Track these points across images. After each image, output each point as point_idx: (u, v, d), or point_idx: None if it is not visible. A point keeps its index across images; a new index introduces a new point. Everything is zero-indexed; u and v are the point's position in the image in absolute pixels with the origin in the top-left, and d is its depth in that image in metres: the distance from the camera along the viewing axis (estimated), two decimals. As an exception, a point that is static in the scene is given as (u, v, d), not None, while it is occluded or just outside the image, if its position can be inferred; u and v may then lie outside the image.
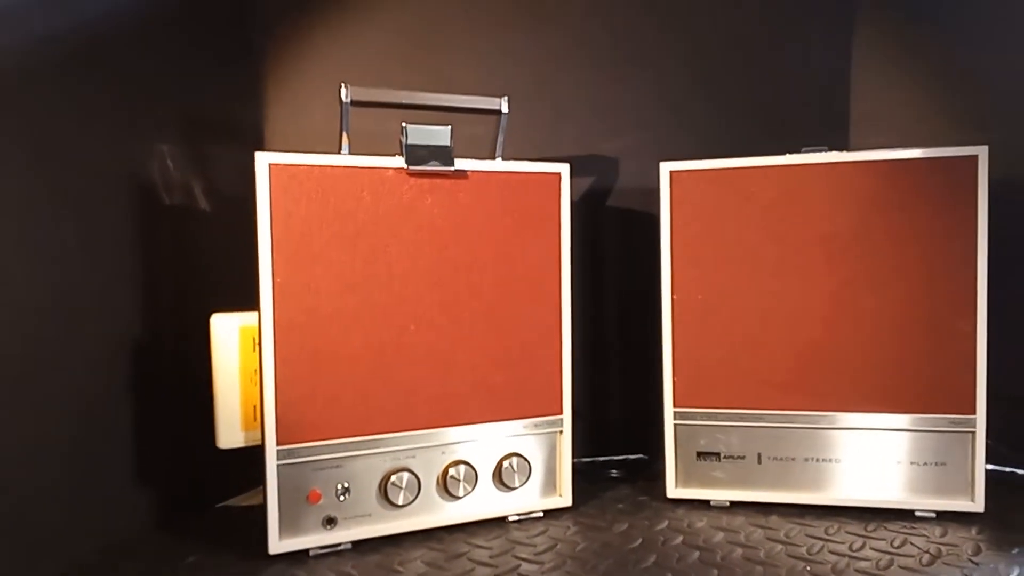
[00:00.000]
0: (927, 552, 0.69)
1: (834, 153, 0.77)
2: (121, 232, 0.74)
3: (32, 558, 0.65)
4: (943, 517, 0.76)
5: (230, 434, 0.71)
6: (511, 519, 0.78)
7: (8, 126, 0.64)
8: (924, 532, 0.73)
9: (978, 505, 0.76)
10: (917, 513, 0.77)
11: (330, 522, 0.70)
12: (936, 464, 0.77)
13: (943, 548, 0.70)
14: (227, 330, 0.71)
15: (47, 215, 0.67)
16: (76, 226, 0.70)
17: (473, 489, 0.76)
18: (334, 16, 0.93)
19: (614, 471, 0.94)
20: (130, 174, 0.76)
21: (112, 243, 0.74)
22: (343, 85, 0.71)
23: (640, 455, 0.99)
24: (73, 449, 0.69)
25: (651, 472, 0.92)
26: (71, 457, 0.69)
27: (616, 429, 1.00)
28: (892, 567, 0.66)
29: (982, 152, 0.74)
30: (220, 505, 0.84)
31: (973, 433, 0.76)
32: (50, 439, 0.67)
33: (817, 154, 0.78)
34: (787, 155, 0.78)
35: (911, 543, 0.71)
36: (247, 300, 0.69)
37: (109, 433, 0.73)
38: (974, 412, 0.76)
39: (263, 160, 0.67)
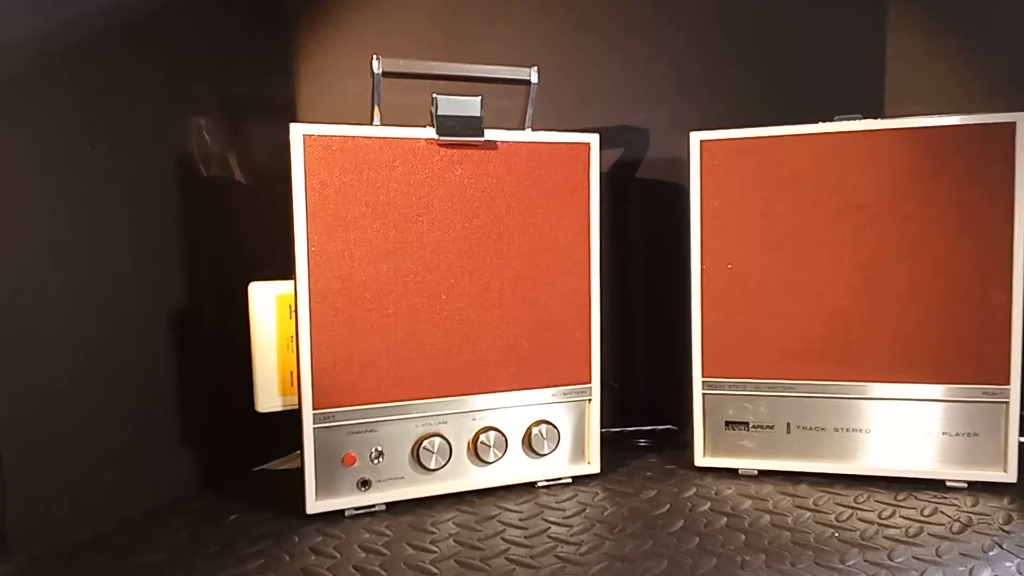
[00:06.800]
0: (957, 521, 0.69)
1: (867, 121, 0.77)
2: (164, 204, 0.77)
3: (90, 514, 0.69)
4: (974, 487, 0.76)
5: (268, 399, 0.73)
6: (540, 485, 0.80)
7: (63, 99, 0.66)
8: (955, 501, 0.73)
9: (1010, 475, 0.75)
10: (948, 483, 0.77)
11: (364, 484, 0.72)
12: (968, 435, 0.77)
13: (974, 517, 0.69)
14: (264, 298, 0.73)
15: (100, 189, 0.70)
16: (126, 199, 0.72)
17: (503, 455, 0.77)
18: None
19: (642, 440, 0.95)
20: (171, 148, 0.78)
21: (156, 215, 0.76)
22: (375, 57, 0.72)
23: (669, 426, 1.00)
24: (125, 413, 0.72)
25: (679, 442, 0.93)
26: (123, 420, 0.72)
27: (645, 400, 1.01)
28: (922, 535, 0.66)
29: (1020, 119, 0.73)
30: (257, 469, 0.87)
31: (1007, 404, 0.75)
32: (106, 403, 0.70)
33: (849, 122, 0.77)
34: (819, 124, 0.78)
35: (941, 512, 0.71)
36: (283, 269, 0.71)
37: (156, 398, 0.76)
38: (1008, 383, 0.75)
39: (298, 131, 0.69)
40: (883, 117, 0.77)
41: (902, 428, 0.78)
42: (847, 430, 0.80)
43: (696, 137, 0.81)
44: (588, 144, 0.79)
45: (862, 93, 0.96)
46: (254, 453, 0.87)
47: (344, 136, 0.70)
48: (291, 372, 0.73)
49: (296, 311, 0.69)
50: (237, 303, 0.75)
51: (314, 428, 0.70)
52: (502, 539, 0.67)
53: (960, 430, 0.77)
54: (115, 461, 0.71)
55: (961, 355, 0.76)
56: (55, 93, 0.65)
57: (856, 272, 0.78)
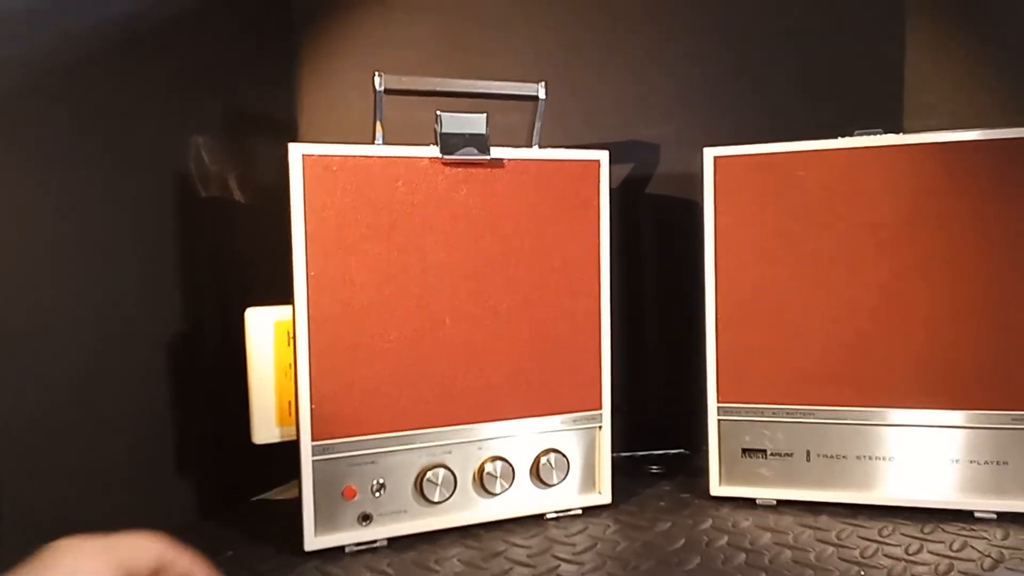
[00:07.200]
0: (988, 556, 0.65)
1: (888, 136, 0.74)
2: (163, 226, 0.74)
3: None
4: (1004, 518, 0.72)
5: (265, 430, 0.70)
6: (549, 517, 0.76)
7: (62, 115, 0.64)
8: (984, 534, 0.70)
9: (1043, 506, 0.72)
10: (976, 514, 0.73)
11: (365, 519, 0.69)
12: (997, 463, 0.73)
13: (1005, 551, 0.66)
14: (261, 324, 0.70)
15: (101, 210, 0.67)
16: (124, 218, 0.70)
17: (510, 486, 0.74)
18: (370, 4, 0.92)
19: (654, 467, 0.92)
20: (170, 167, 0.75)
21: (155, 238, 0.74)
22: (376, 74, 0.69)
23: (680, 450, 0.97)
24: (123, 438, 0.69)
25: (692, 468, 0.90)
26: (122, 446, 0.69)
27: (655, 423, 0.98)
28: (952, 572, 0.62)
29: (1049, 133, 0.70)
30: (257, 498, 0.84)
31: (1038, 431, 0.72)
32: (103, 428, 0.67)
33: (869, 137, 0.74)
34: (837, 139, 0.75)
35: (971, 546, 0.67)
36: (284, 293, 0.68)
37: (155, 424, 0.73)
38: (1039, 409, 0.72)
39: (296, 151, 0.66)
40: (903, 132, 0.74)
41: (927, 456, 0.75)
42: (869, 458, 0.76)
43: (710, 153, 0.78)
44: (598, 161, 0.76)
45: (879, 107, 0.93)
46: (255, 480, 0.84)
47: (345, 156, 0.67)
48: (289, 402, 0.70)
49: (295, 338, 0.66)
50: (235, 330, 0.72)
51: (312, 461, 0.67)
52: (510, 578, 0.64)
53: (988, 458, 0.74)
54: (113, 487, 0.68)
55: (988, 380, 0.73)
56: (54, 109, 0.63)
57: (877, 293, 0.74)
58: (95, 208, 0.67)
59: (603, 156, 0.77)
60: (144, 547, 0.41)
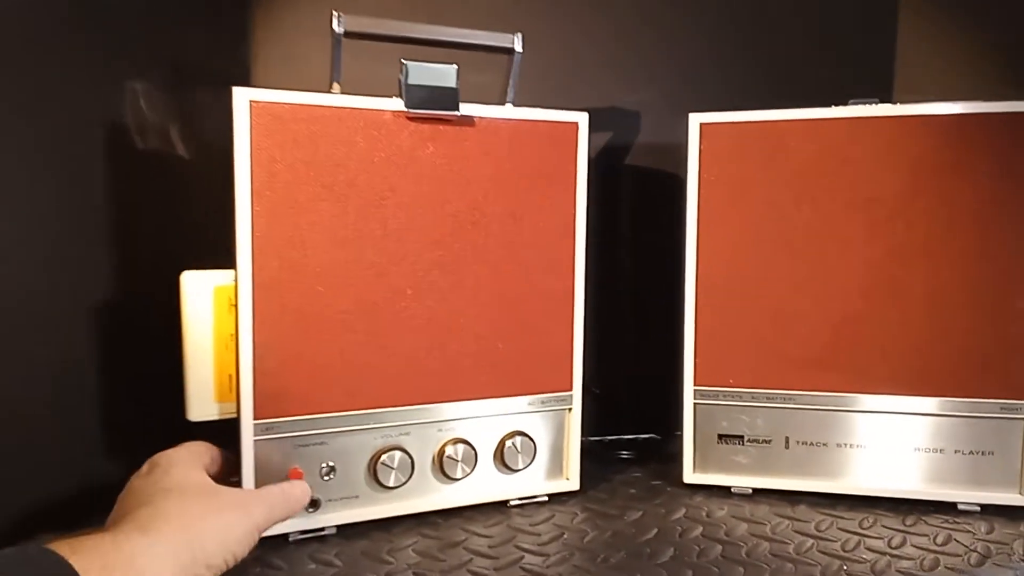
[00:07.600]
0: (974, 551, 0.62)
1: (885, 106, 0.69)
2: (94, 182, 0.67)
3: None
4: (988, 511, 0.69)
5: (202, 406, 0.63)
6: (513, 503, 0.71)
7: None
8: (968, 527, 0.67)
9: (1027, 499, 0.69)
10: (960, 506, 0.70)
11: (313, 504, 0.63)
12: (983, 453, 0.70)
13: (991, 546, 0.63)
14: (199, 289, 0.63)
15: (22, 164, 0.60)
16: (51, 175, 0.63)
17: (472, 470, 0.69)
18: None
19: (624, 452, 0.87)
20: (103, 118, 0.68)
21: (86, 194, 0.66)
22: (335, 14, 0.62)
23: (651, 435, 0.92)
24: (40, 417, 0.63)
25: (664, 454, 0.85)
26: (39, 425, 0.63)
27: (626, 406, 0.94)
28: (939, 568, 0.59)
29: (1054, 107, 0.66)
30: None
31: (1026, 421, 0.69)
32: (15, 408, 0.60)
33: (865, 107, 0.70)
34: (831, 108, 0.70)
35: (956, 540, 0.64)
36: (228, 257, 0.62)
37: (78, 401, 0.66)
38: (1028, 398, 0.69)
39: (242, 96, 0.59)
40: (893, 103, 0.69)
41: (911, 445, 0.71)
42: (852, 446, 0.73)
43: (696, 119, 0.73)
44: (576, 123, 0.71)
45: (870, 78, 0.89)
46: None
47: (298, 104, 0.61)
48: (229, 376, 0.64)
49: (237, 305, 0.60)
50: (172, 295, 0.65)
51: (255, 440, 0.61)
52: (468, 571, 0.58)
53: (974, 448, 0.70)
54: (38, 466, 0.62)
55: (979, 367, 0.69)
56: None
57: (868, 273, 0.70)
58: (24, 164, 0.59)
59: (582, 118, 0.71)
60: (206, 447, 0.59)
